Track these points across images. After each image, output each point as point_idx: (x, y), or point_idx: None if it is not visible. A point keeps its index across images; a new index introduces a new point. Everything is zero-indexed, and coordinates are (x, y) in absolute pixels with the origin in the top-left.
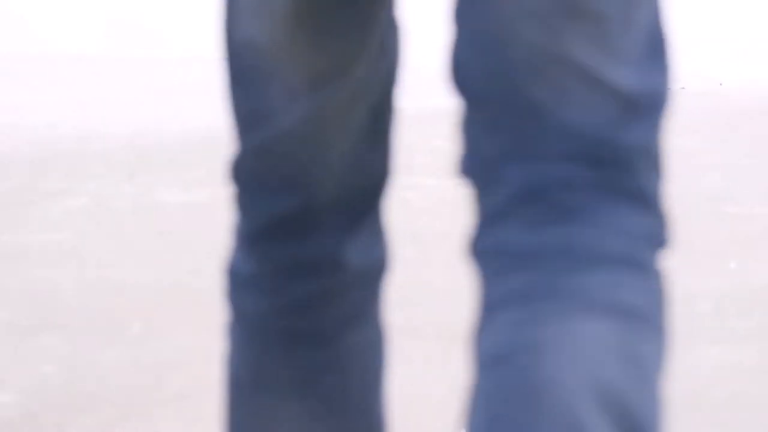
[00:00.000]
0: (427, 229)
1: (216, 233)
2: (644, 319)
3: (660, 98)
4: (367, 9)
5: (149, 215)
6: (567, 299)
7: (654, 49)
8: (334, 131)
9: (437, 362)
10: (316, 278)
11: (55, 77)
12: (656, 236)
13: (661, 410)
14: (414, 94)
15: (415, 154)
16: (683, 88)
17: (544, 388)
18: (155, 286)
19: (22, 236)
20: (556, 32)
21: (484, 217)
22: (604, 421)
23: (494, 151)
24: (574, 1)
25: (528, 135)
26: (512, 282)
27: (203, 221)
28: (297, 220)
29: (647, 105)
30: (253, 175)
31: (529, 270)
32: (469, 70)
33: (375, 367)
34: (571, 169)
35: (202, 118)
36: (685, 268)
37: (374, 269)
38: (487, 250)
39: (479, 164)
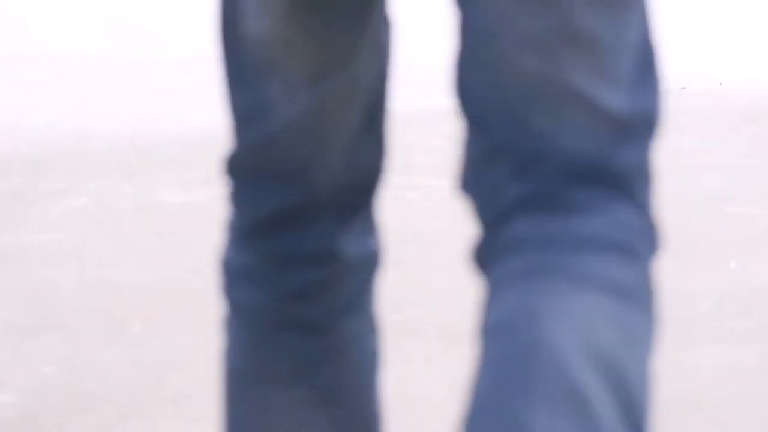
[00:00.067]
0: (427, 229)
1: (216, 233)
2: (636, 300)
3: (652, 117)
4: (361, 6)
5: (149, 215)
6: (565, 275)
7: (645, 68)
8: (332, 126)
9: (437, 362)
10: (311, 270)
11: (55, 77)
12: (650, 236)
13: (650, 381)
14: (414, 94)
15: (415, 154)
16: (683, 88)
17: (540, 350)
18: (155, 286)
19: (22, 236)
20: (556, 60)
21: (485, 226)
22: (597, 380)
23: (494, 172)
24: (573, 29)
25: (527, 159)
26: (513, 263)
27: (203, 221)
28: (294, 214)
29: (640, 125)
30: (250, 170)
31: (529, 252)
32: (471, 91)
33: (369, 357)
34: (568, 183)
35: (202, 118)
36: (685, 268)
37: (368, 261)
38: (491, 249)
39: (479, 183)
